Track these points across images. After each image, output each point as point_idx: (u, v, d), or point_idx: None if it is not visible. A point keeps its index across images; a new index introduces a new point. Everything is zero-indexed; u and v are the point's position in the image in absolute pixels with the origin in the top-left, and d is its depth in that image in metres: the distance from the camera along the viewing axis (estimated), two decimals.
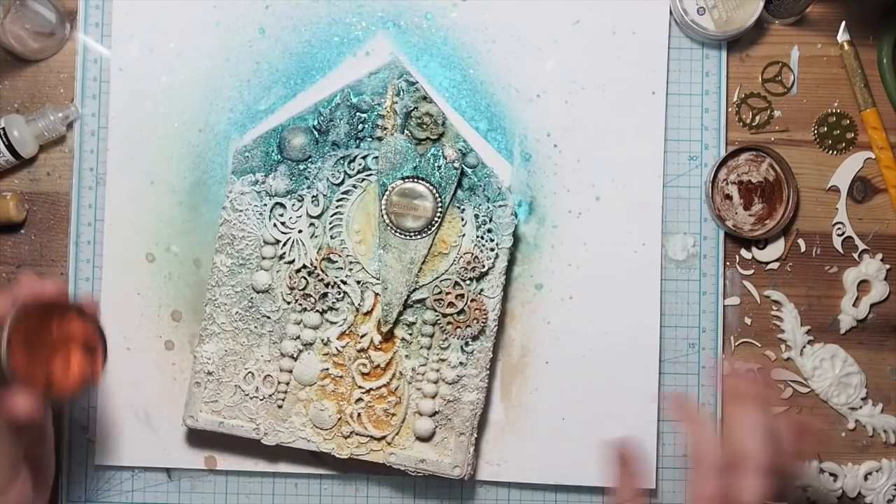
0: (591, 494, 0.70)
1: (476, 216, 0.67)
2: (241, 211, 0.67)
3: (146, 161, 0.69)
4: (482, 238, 0.66)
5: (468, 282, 0.66)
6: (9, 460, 0.55)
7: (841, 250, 0.72)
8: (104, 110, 0.70)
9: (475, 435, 0.67)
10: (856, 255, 0.72)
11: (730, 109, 0.71)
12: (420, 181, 0.66)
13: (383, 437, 0.67)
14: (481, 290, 0.67)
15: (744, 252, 0.71)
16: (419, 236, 0.66)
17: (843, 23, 0.71)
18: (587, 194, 0.70)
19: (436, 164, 0.66)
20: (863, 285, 0.72)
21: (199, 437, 0.69)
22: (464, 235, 0.67)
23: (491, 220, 0.67)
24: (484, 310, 0.66)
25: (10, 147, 0.68)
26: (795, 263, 0.72)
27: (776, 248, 0.71)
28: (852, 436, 0.72)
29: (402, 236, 0.66)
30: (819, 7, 0.72)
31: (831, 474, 0.71)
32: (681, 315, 0.70)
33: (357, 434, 0.67)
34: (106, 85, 0.70)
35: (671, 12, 0.70)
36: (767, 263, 0.71)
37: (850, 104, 0.72)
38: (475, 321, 0.66)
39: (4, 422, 0.54)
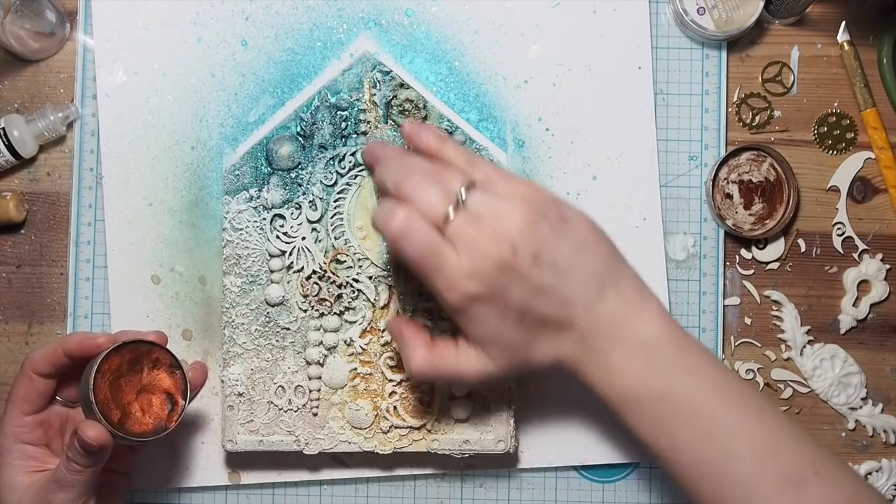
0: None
1: None
2: (241, 229, 0.66)
3: (142, 183, 0.69)
4: None
5: None
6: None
7: (841, 250, 0.72)
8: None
9: (513, 406, 0.67)
10: (856, 255, 0.72)
11: (730, 109, 0.71)
12: None
13: (423, 426, 0.66)
14: None
15: (744, 252, 0.71)
16: None
17: (843, 23, 0.71)
18: (584, 174, 0.70)
19: None
20: (863, 285, 0.72)
21: (220, 454, 0.69)
22: None
23: None
24: None
25: (10, 147, 0.68)
26: (795, 263, 0.72)
27: (776, 248, 0.71)
28: (852, 436, 0.72)
29: None
30: (819, 7, 0.72)
31: None
32: (680, 315, 0.70)
33: (396, 427, 0.66)
34: None
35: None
36: (767, 263, 0.71)
37: (850, 104, 0.72)
38: None
39: (78, 453, 0.56)
